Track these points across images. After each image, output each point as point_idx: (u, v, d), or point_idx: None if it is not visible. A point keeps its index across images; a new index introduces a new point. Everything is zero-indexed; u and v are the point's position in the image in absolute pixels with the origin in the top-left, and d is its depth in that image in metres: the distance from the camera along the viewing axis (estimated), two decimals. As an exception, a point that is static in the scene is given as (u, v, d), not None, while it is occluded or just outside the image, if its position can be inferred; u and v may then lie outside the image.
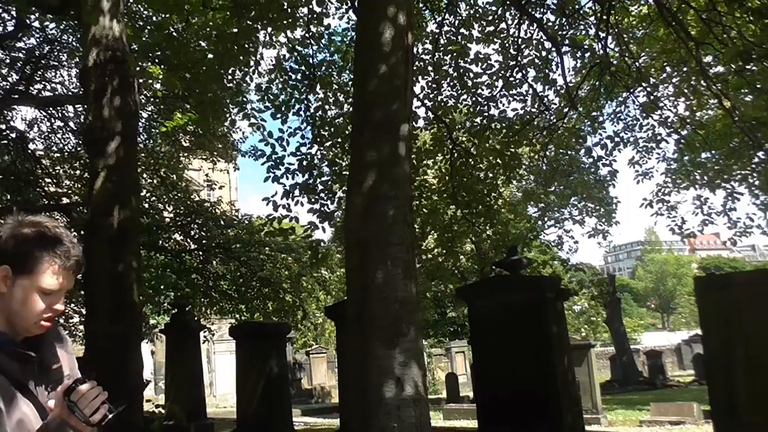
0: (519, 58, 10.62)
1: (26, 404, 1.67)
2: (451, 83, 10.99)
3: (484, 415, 8.51)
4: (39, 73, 15.71)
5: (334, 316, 10.77)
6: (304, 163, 9.67)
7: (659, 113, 12.90)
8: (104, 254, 8.74)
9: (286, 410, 11.64)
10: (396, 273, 4.82)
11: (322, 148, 10.14)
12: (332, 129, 10.16)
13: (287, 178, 9.64)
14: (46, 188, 16.18)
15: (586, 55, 11.04)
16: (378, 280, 4.80)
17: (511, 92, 10.99)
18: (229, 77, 9.19)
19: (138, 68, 7.66)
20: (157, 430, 13.17)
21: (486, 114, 11.17)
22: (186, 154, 17.55)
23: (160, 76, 7.42)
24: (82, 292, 16.42)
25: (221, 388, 27.75)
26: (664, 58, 13.46)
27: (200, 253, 16.35)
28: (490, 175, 12.10)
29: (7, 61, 15.42)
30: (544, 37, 10.52)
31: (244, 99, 11.03)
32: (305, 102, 10.06)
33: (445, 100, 11.16)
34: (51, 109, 16.05)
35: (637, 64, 11.61)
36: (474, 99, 11.12)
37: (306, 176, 9.60)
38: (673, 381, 26.52)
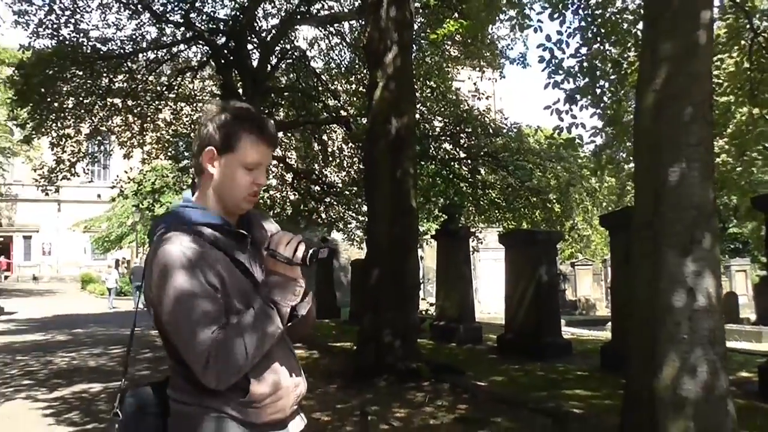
0: None
1: (244, 277, 1.84)
2: (755, -36, 9.62)
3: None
4: (317, -8, 16.67)
5: (609, 225, 10.38)
6: (585, 65, 9.14)
7: None
8: (385, 160, 9.25)
9: (555, 319, 11.59)
10: (692, 176, 4.44)
11: (604, 48, 9.44)
12: (613, 27, 9.39)
13: (568, 83, 9.18)
14: (326, 102, 17.44)
15: None
16: (671, 183, 4.46)
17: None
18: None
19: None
20: (428, 329, 14.01)
21: (798, -4, 9.67)
22: (454, 64, 17.71)
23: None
24: (360, 200, 17.83)
25: (485, 295, 28.60)
26: None
27: (469, 161, 16.65)
28: (799, 69, 10.55)
29: (290, -17, 16.62)
30: None
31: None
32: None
33: (745, -16, 9.79)
34: (329, 26, 17.09)
35: None
36: (782, -21, 9.66)
37: (587, 79, 9.07)
38: None
